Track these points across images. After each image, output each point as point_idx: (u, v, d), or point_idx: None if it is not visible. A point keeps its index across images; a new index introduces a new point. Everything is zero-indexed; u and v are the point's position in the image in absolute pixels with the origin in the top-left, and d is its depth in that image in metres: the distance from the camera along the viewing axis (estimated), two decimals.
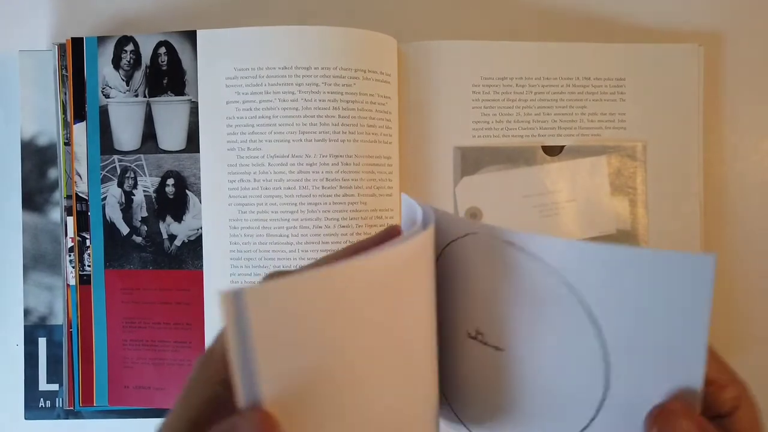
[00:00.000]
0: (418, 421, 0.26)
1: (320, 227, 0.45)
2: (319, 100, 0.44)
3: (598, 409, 0.25)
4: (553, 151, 0.48)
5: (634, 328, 0.23)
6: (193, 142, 0.46)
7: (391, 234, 0.28)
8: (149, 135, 0.46)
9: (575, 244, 0.23)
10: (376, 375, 0.23)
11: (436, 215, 0.27)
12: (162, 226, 0.46)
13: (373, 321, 0.22)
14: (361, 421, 0.23)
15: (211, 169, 0.46)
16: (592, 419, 0.25)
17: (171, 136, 0.46)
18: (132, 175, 0.47)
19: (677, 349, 0.22)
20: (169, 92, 0.46)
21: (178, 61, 0.46)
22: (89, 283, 0.47)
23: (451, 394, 0.30)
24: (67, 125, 0.47)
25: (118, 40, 0.46)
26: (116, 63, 0.46)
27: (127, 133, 0.46)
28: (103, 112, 0.46)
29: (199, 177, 0.46)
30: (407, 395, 0.25)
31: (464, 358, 0.28)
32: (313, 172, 0.44)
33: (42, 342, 0.48)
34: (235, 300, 0.18)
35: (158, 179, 0.46)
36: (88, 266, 0.47)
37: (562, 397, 0.25)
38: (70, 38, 0.46)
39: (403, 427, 0.25)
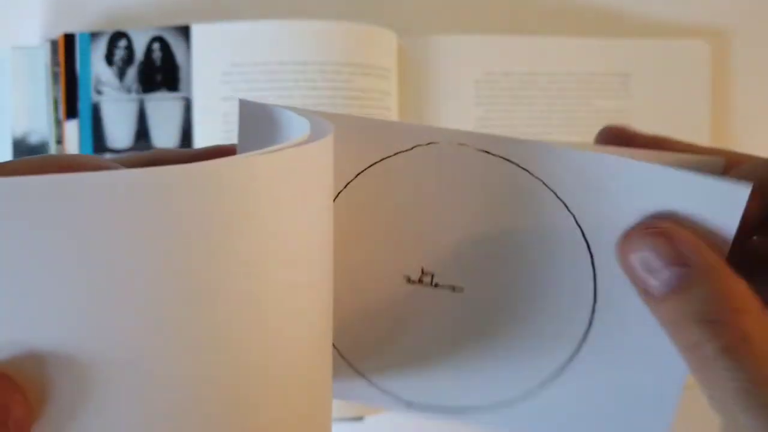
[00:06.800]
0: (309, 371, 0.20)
1: None
2: (317, 96, 0.43)
3: (581, 342, 0.23)
4: None
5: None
6: (187, 140, 0.45)
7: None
8: (142, 132, 0.45)
9: (579, 154, 0.20)
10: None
11: (354, 124, 0.21)
12: None
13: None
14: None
15: None
16: (573, 355, 0.23)
17: (165, 134, 0.45)
18: None
19: None
20: (163, 88, 0.45)
21: (172, 57, 0.45)
22: None
23: (351, 345, 0.25)
24: (59, 123, 0.45)
25: (111, 36, 0.45)
26: (109, 59, 0.45)
27: (119, 131, 0.45)
28: (96, 109, 0.45)
29: None
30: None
31: (393, 306, 0.24)
32: None
33: None
34: None
35: None
36: None
37: (532, 336, 0.23)
38: (62, 34, 0.45)
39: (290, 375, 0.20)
